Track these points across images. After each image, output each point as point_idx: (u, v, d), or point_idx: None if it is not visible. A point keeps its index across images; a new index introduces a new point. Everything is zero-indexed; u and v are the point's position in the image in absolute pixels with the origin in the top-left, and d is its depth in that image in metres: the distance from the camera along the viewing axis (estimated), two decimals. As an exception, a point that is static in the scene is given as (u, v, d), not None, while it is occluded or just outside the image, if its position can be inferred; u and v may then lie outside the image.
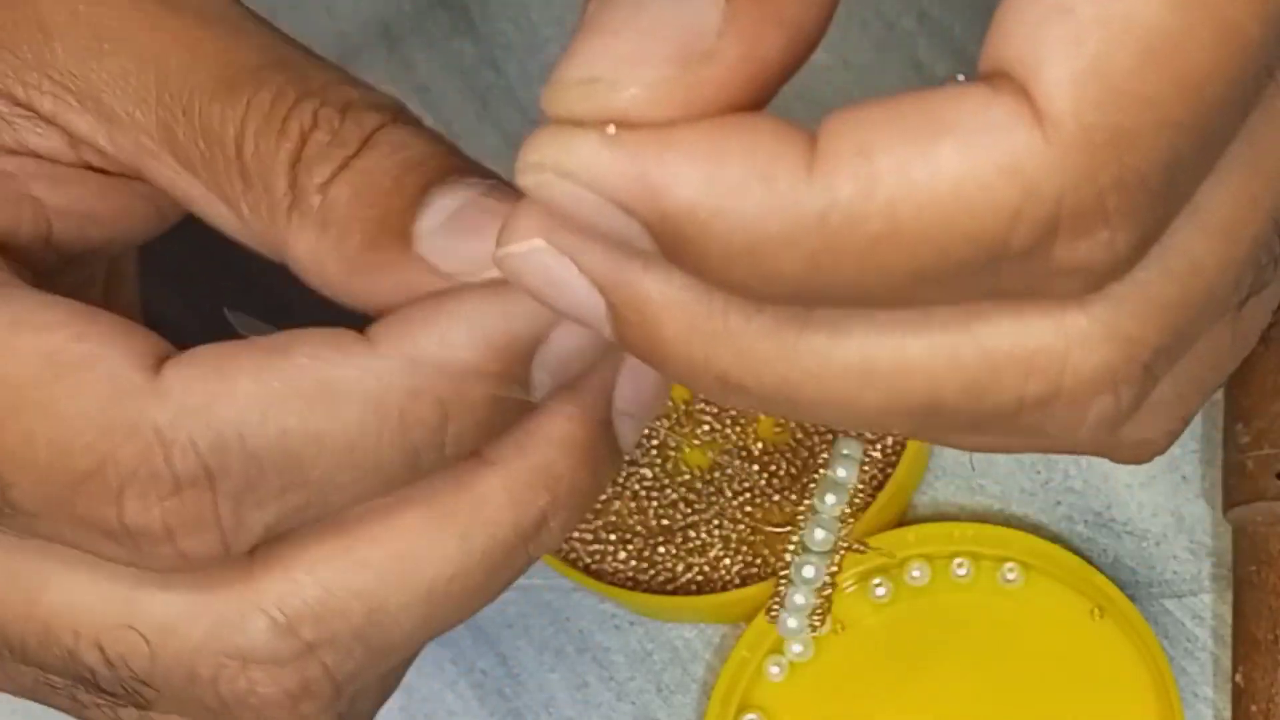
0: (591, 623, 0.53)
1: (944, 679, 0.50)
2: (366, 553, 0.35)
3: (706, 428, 0.54)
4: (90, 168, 0.38)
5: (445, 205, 0.34)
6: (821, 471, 0.51)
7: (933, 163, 0.26)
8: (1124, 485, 0.53)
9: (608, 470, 0.37)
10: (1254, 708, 0.49)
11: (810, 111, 0.28)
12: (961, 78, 0.48)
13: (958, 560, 0.51)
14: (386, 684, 0.39)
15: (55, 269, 0.38)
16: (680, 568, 0.53)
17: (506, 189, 0.34)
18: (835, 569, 0.51)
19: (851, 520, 0.51)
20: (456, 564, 0.35)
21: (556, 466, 0.36)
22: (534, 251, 0.30)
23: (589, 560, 0.53)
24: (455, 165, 0.35)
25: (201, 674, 0.36)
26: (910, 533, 0.51)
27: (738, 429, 0.53)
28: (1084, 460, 0.53)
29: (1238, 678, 0.49)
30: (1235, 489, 0.50)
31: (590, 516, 0.53)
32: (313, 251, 0.35)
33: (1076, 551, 0.51)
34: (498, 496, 0.36)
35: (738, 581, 0.52)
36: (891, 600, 0.51)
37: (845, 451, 0.51)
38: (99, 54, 0.36)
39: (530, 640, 0.53)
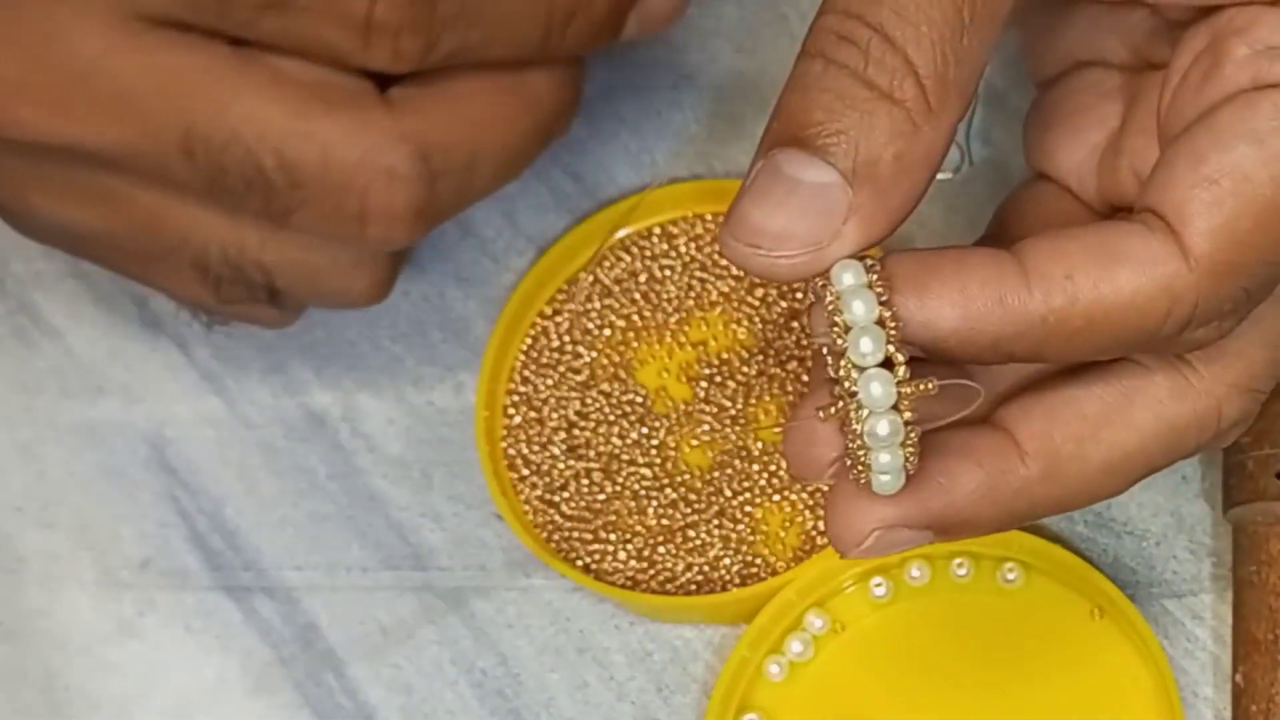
0: (591, 623, 0.53)
1: (943, 679, 0.50)
2: (469, 111, 0.48)
3: (706, 427, 0.54)
4: None
5: None
6: (838, 318, 0.38)
7: (1115, 283, 0.39)
8: (1124, 485, 0.53)
9: None
10: (1254, 708, 0.49)
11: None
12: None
13: (957, 560, 0.51)
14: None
15: None
16: (680, 568, 0.53)
17: None
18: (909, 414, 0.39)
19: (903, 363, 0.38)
20: (519, 136, 0.48)
21: None
22: None
23: (589, 560, 0.53)
24: None
25: (356, 184, 0.46)
26: (910, 533, 0.51)
27: (737, 429, 0.53)
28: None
29: (1238, 678, 0.49)
30: (1235, 489, 0.50)
31: (590, 516, 0.53)
32: None
33: (1076, 551, 0.51)
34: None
35: (738, 581, 0.52)
36: (891, 600, 0.51)
37: (848, 281, 0.38)
38: None
39: (530, 640, 0.53)
